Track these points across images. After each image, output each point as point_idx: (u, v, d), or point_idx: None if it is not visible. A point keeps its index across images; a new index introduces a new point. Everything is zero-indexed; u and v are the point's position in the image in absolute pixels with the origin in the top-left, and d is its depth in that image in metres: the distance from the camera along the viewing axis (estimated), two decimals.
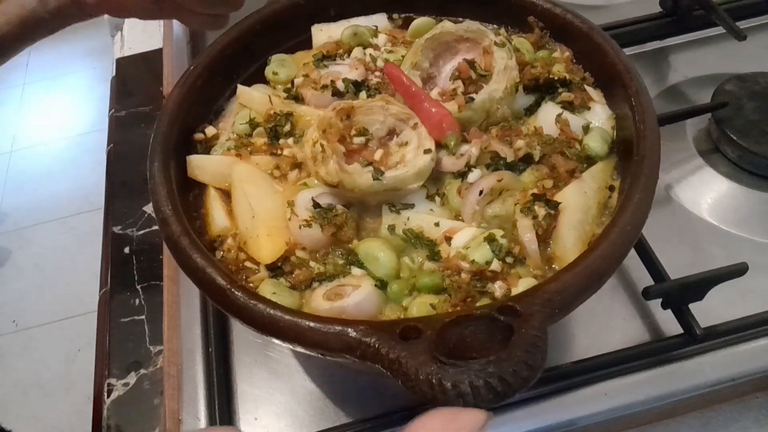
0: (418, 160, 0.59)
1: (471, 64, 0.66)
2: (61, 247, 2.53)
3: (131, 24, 1.21)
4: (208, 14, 0.82)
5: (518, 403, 0.64)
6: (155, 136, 0.62)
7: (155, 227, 0.87)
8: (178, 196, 0.59)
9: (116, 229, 0.89)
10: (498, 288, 0.54)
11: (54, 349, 2.22)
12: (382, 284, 0.55)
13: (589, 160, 0.62)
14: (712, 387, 0.65)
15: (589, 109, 0.66)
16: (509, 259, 0.56)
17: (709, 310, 0.67)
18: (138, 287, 0.82)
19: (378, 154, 0.61)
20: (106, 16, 0.83)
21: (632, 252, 0.60)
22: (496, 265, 0.54)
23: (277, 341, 0.48)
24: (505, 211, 0.59)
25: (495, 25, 0.74)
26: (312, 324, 0.46)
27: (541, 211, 0.57)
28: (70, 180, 2.76)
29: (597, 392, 0.65)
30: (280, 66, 0.73)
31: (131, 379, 0.74)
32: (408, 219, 0.59)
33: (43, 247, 2.55)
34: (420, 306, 0.53)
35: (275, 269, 0.57)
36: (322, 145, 0.58)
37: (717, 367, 0.66)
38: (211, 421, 0.66)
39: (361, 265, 0.57)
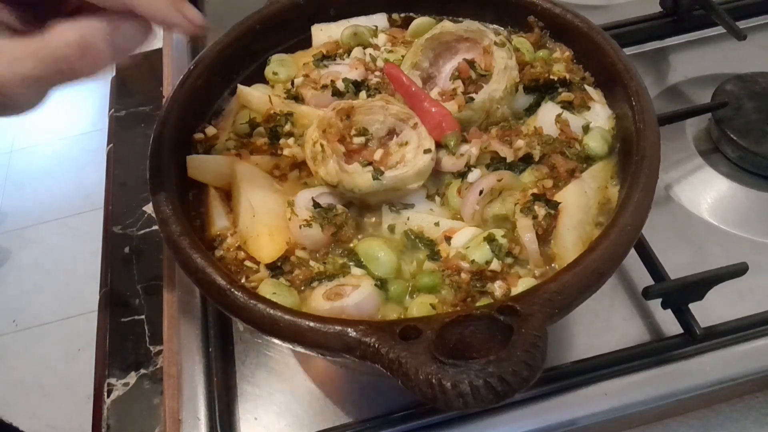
0: (418, 160, 0.59)
1: (471, 63, 0.66)
2: (61, 247, 2.52)
3: None
4: None
5: (518, 403, 0.64)
6: (155, 136, 0.62)
7: (155, 227, 0.87)
8: (178, 196, 0.59)
9: (116, 229, 0.89)
10: (498, 288, 0.54)
11: (54, 349, 2.22)
12: (382, 284, 0.55)
13: (589, 160, 0.62)
14: (712, 387, 0.65)
15: (589, 108, 0.66)
16: (509, 259, 0.56)
17: (709, 310, 0.67)
18: (138, 287, 0.82)
19: (378, 154, 0.61)
20: None
21: (632, 252, 0.60)
22: (496, 265, 0.54)
23: (277, 341, 0.49)
24: (505, 211, 0.59)
25: (495, 25, 0.74)
26: (312, 324, 0.46)
27: (541, 211, 0.57)
28: (70, 180, 2.75)
29: (597, 392, 0.65)
30: (280, 66, 0.73)
31: (131, 379, 0.74)
32: (408, 219, 0.59)
33: (43, 247, 2.54)
34: (420, 306, 0.53)
35: (275, 269, 0.57)
36: (322, 145, 0.58)
37: (717, 367, 0.66)
38: (211, 421, 0.66)
39: (361, 265, 0.57)
